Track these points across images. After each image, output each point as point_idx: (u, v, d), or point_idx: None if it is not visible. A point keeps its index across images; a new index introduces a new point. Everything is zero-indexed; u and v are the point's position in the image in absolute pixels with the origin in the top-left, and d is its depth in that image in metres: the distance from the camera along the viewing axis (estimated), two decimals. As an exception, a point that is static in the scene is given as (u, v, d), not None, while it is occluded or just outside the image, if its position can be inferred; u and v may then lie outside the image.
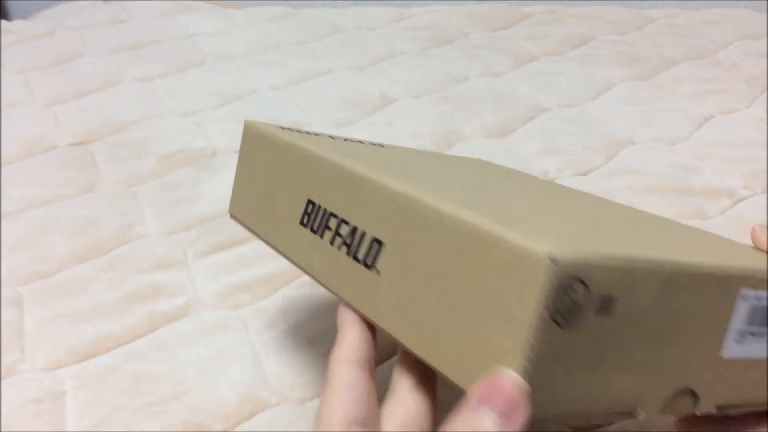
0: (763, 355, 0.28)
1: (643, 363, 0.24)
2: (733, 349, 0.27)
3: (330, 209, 0.30)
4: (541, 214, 0.28)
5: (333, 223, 0.30)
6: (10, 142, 0.73)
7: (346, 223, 0.29)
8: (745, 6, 1.14)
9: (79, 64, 0.96)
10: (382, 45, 1.02)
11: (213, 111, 0.82)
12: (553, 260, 0.20)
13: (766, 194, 0.63)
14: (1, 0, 1.86)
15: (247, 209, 0.38)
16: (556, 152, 0.71)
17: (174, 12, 1.19)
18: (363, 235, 0.28)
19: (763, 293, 0.27)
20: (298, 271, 0.35)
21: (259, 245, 0.57)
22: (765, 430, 0.31)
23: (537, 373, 0.21)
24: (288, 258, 0.34)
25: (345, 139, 0.41)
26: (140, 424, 0.41)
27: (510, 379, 0.20)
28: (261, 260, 0.56)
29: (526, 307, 0.20)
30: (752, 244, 0.34)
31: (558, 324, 0.21)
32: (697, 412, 0.27)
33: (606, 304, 0.22)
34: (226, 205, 0.65)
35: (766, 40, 0.99)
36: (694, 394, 0.26)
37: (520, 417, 0.20)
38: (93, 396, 0.43)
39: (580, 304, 0.21)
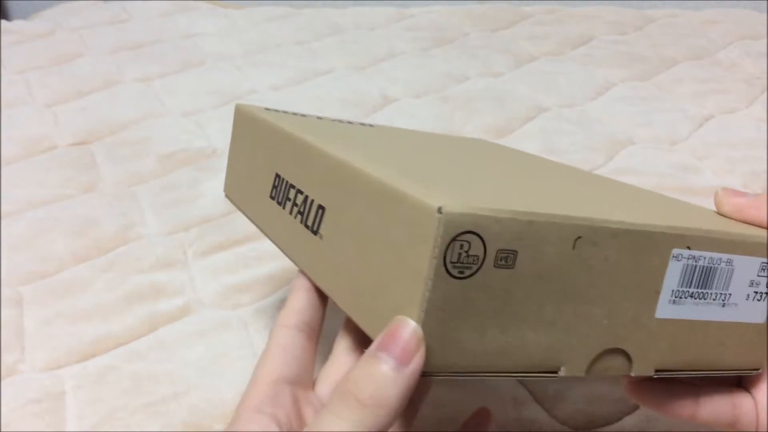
0: (701, 316, 0.28)
1: (559, 320, 0.24)
2: (667, 309, 0.27)
3: (290, 181, 0.32)
4: (463, 176, 0.29)
5: (292, 194, 0.31)
6: (10, 142, 0.73)
7: (301, 192, 0.31)
8: (745, 6, 1.14)
9: (79, 64, 0.96)
10: (382, 45, 1.02)
11: (213, 111, 0.82)
12: (444, 212, 0.21)
13: (766, 194, 0.63)
14: (1, 0, 1.86)
15: (236, 188, 0.40)
16: (556, 152, 0.71)
17: (174, 12, 1.19)
18: (311, 202, 0.29)
19: (699, 253, 0.27)
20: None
21: (258, 245, 0.57)
22: (727, 395, 0.30)
23: (438, 324, 0.22)
24: (264, 233, 0.35)
25: (332, 120, 0.43)
26: (140, 424, 0.41)
27: (407, 327, 0.21)
28: (261, 260, 0.56)
29: (422, 259, 0.21)
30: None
31: (453, 276, 0.21)
32: (633, 374, 0.26)
33: (506, 257, 0.22)
34: (226, 206, 0.65)
35: (766, 40, 0.99)
36: (626, 356, 0.26)
37: (416, 363, 0.21)
38: (93, 396, 0.43)
39: (476, 256, 0.21)
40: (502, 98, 0.84)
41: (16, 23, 1.14)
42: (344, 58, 0.97)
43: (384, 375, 0.21)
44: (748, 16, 1.10)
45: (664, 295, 0.26)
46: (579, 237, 0.23)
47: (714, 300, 0.28)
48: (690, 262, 0.27)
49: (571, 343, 0.24)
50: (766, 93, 0.83)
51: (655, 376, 0.27)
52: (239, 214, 0.62)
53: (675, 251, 0.26)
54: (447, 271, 0.21)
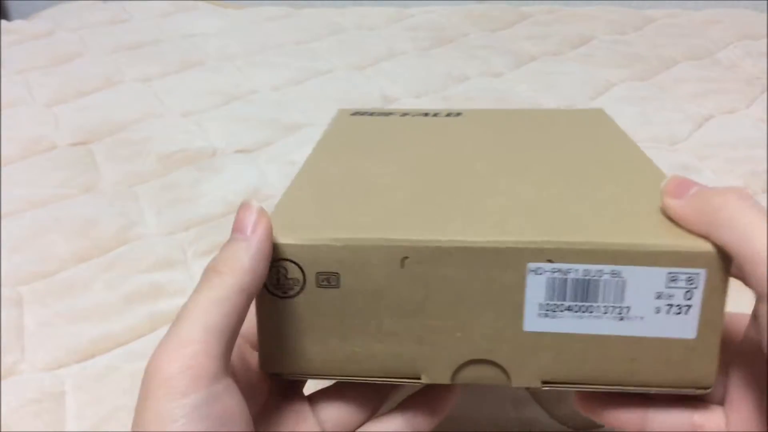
0: (590, 330, 0.26)
1: (405, 333, 0.26)
2: (537, 323, 0.26)
3: None
4: (370, 201, 0.29)
5: None
6: (10, 142, 0.73)
7: None
8: (745, 6, 1.14)
9: (79, 64, 0.96)
10: (382, 45, 1.02)
11: (213, 111, 0.82)
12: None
13: (766, 194, 0.63)
14: (1, 0, 1.87)
15: None
16: (556, 152, 0.71)
17: (174, 12, 1.19)
18: None
19: (567, 266, 0.25)
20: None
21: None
22: (684, 409, 0.28)
23: (275, 334, 0.27)
24: None
25: (415, 115, 0.43)
26: (140, 424, 0.41)
27: (248, 208, 0.26)
28: (261, 260, 0.56)
29: None
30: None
31: (276, 295, 0.26)
32: (514, 385, 0.26)
33: (328, 278, 0.26)
34: (226, 205, 0.65)
35: (766, 40, 0.99)
36: (500, 367, 0.26)
37: (261, 230, 0.26)
38: (93, 396, 0.43)
39: (296, 278, 0.26)
40: (502, 98, 0.84)
41: (16, 23, 1.14)
42: (344, 58, 0.97)
43: (237, 245, 0.25)
44: (748, 16, 1.10)
45: (530, 309, 0.26)
46: (406, 257, 0.26)
47: (605, 313, 0.26)
48: (556, 275, 0.25)
49: (427, 353, 0.27)
50: (766, 93, 0.83)
51: (545, 388, 0.27)
52: (239, 214, 0.62)
53: (531, 265, 0.25)
54: (268, 290, 0.26)
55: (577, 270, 0.25)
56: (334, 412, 0.29)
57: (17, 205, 0.63)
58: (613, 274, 0.25)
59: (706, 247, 0.25)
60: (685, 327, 0.26)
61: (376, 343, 0.27)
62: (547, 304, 0.26)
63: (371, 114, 0.44)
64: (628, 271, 0.25)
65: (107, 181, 0.67)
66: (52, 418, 0.42)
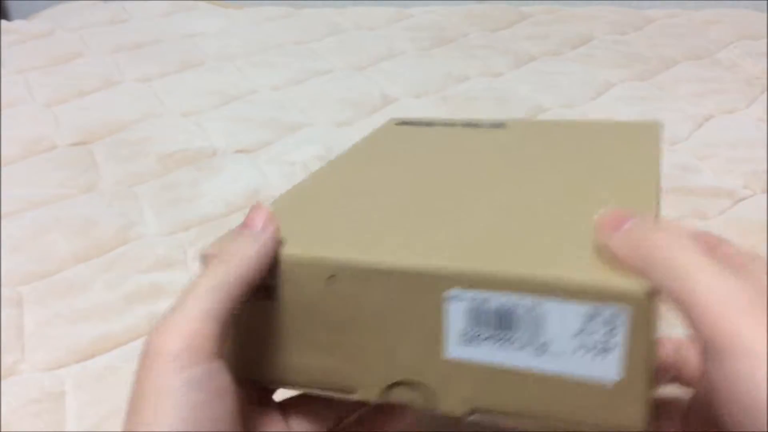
0: (510, 362, 0.25)
1: (337, 349, 0.27)
2: (459, 350, 0.25)
3: None
4: (348, 223, 0.29)
5: None
6: (10, 142, 0.73)
7: None
8: (745, 6, 1.14)
9: (79, 64, 0.96)
10: (382, 45, 1.02)
11: (213, 111, 0.82)
12: None
13: (766, 194, 0.63)
14: (1, 0, 1.86)
15: None
16: (556, 152, 0.71)
17: (174, 12, 1.19)
18: None
19: (487, 294, 0.24)
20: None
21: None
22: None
23: (232, 341, 0.28)
24: None
25: (461, 126, 0.42)
26: (140, 424, 0.41)
27: (260, 209, 0.28)
28: (261, 260, 0.56)
29: None
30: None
31: None
32: (443, 411, 0.26)
33: (266, 290, 0.27)
34: (226, 205, 0.65)
35: (766, 40, 0.99)
36: (431, 390, 0.26)
37: (269, 230, 0.27)
38: (93, 396, 0.43)
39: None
40: (502, 98, 0.84)
41: (16, 23, 1.14)
42: (344, 58, 0.97)
43: (245, 239, 0.26)
44: (748, 16, 1.10)
45: (452, 335, 0.25)
46: (332, 275, 0.26)
47: (523, 347, 0.24)
48: (477, 303, 0.24)
49: (358, 370, 0.27)
50: (766, 93, 0.83)
51: (471, 418, 0.26)
52: (239, 214, 0.62)
53: (451, 291, 0.24)
54: None
55: (495, 299, 0.24)
56: (302, 419, 0.29)
57: (17, 205, 0.63)
58: (533, 306, 0.24)
59: (632, 284, 0.23)
60: (608, 368, 0.23)
61: (313, 357, 0.27)
62: (468, 332, 0.25)
63: (415, 124, 0.44)
64: (548, 305, 0.24)
65: (107, 181, 0.67)
66: (52, 418, 0.42)
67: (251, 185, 0.65)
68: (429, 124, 0.44)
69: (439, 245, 0.26)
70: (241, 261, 0.25)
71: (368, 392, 0.27)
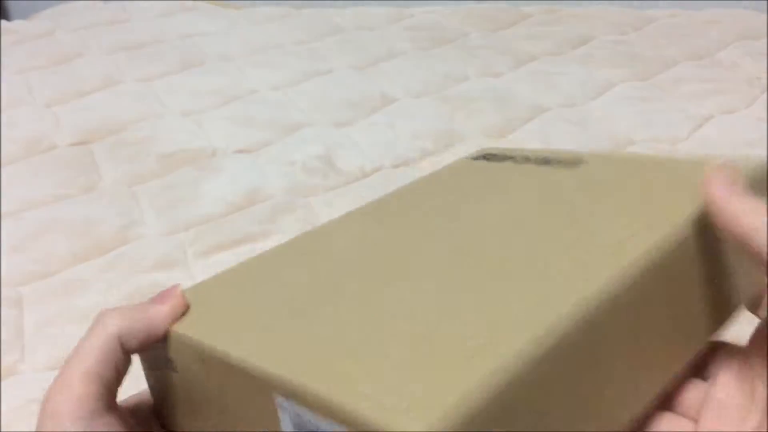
0: None
1: (212, 422, 0.28)
2: None
3: None
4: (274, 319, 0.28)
5: None
6: (10, 142, 0.73)
7: None
8: (745, 6, 1.14)
9: (79, 64, 0.96)
10: (382, 45, 1.02)
11: (213, 111, 0.82)
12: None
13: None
14: (1, 0, 1.87)
15: None
16: (556, 152, 0.71)
17: (174, 12, 1.19)
18: None
19: (300, 409, 0.21)
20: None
21: (258, 245, 0.57)
22: None
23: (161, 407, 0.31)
24: None
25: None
26: (140, 424, 0.41)
27: (174, 290, 0.29)
28: (261, 260, 0.56)
29: None
30: None
31: (152, 369, 0.30)
32: None
33: (163, 362, 0.29)
34: (226, 205, 0.65)
35: (766, 40, 0.99)
36: None
37: (171, 305, 0.29)
38: (93, 396, 0.43)
39: (156, 357, 0.29)
40: (502, 98, 0.84)
41: (16, 23, 1.14)
42: (344, 58, 0.97)
43: (143, 305, 0.28)
44: (748, 16, 1.10)
45: None
46: (203, 358, 0.27)
47: None
48: (298, 416, 0.22)
49: None
50: (766, 93, 0.83)
51: None
52: (239, 214, 0.62)
53: (277, 399, 0.22)
54: (150, 368, 0.30)
55: (306, 416, 0.21)
56: None
57: (17, 205, 0.63)
58: (333, 425, 0.20)
59: (414, 422, 0.19)
60: None
61: (202, 425, 0.28)
62: None
63: (489, 159, 0.40)
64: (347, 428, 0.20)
65: (107, 181, 0.67)
66: (52, 418, 0.42)
67: (251, 185, 0.65)
68: (504, 159, 0.40)
69: (296, 346, 0.24)
70: (120, 324, 0.27)
71: None
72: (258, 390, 0.23)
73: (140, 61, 0.96)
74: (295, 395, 0.21)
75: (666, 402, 0.29)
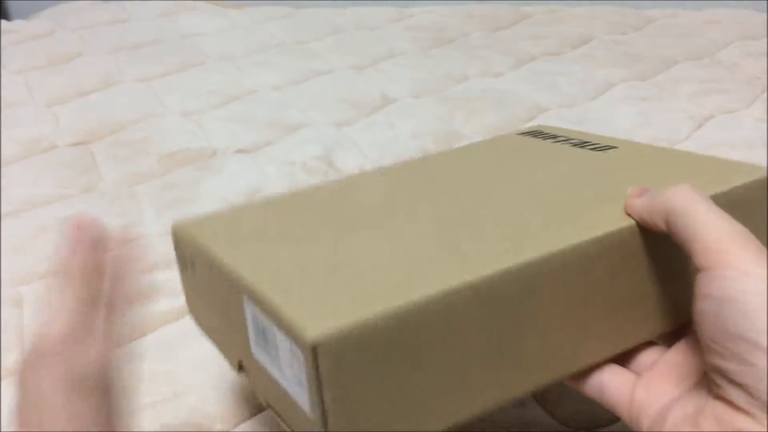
0: (272, 372, 0.26)
1: (217, 318, 0.32)
2: (257, 351, 0.27)
3: None
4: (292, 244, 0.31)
5: None
6: (10, 142, 0.73)
7: None
8: (745, 6, 1.14)
9: (79, 64, 0.96)
10: (382, 45, 1.02)
11: (213, 111, 0.82)
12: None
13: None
14: (1, 0, 1.87)
15: None
16: (556, 152, 0.71)
17: (174, 12, 1.19)
18: None
19: (254, 307, 0.26)
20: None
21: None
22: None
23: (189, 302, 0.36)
24: None
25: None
26: (140, 425, 0.41)
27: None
28: (261, 260, 0.56)
29: None
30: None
31: (182, 270, 0.36)
32: (260, 398, 0.29)
33: (193, 265, 0.33)
34: (226, 206, 0.65)
35: (766, 40, 0.99)
36: (251, 376, 0.29)
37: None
38: (93, 396, 0.43)
39: (186, 260, 0.34)
40: (502, 98, 0.84)
41: (16, 23, 1.14)
42: (344, 58, 0.97)
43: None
44: (748, 16, 1.10)
45: (251, 337, 0.27)
46: (208, 262, 0.31)
47: (274, 362, 0.25)
48: (256, 315, 0.26)
49: (225, 341, 0.32)
50: (766, 93, 0.83)
51: (265, 405, 0.29)
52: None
53: (244, 298, 0.27)
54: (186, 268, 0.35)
55: (257, 312, 0.26)
56: None
57: (17, 205, 0.63)
58: (272, 329, 0.25)
59: (312, 326, 0.22)
60: (304, 401, 0.24)
61: (212, 320, 0.33)
62: (257, 338, 0.27)
63: (535, 135, 0.46)
64: (279, 333, 0.24)
65: (107, 181, 0.67)
66: (52, 418, 0.42)
67: (251, 185, 0.65)
68: (548, 138, 0.45)
69: (272, 261, 0.28)
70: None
71: (232, 363, 0.31)
72: (235, 290, 0.27)
73: (140, 61, 0.97)
74: (253, 297, 0.26)
75: (620, 358, 0.31)
